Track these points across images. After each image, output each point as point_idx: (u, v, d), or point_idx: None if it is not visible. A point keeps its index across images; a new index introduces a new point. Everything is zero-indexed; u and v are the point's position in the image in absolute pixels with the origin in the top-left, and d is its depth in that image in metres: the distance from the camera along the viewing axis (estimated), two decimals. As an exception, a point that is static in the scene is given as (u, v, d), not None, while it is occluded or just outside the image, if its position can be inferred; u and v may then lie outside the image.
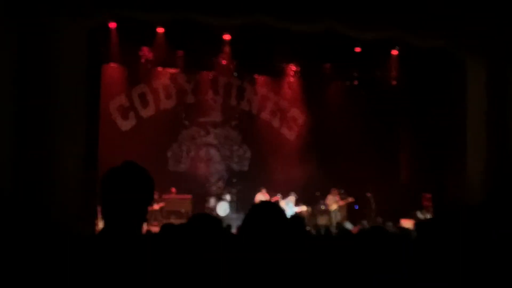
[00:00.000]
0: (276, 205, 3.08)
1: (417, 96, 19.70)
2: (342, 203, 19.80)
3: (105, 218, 2.84)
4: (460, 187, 17.04)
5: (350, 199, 19.69)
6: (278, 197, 19.62)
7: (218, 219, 3.73)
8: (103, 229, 2.82)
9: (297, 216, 5.18)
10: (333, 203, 19.76)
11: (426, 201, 19.45)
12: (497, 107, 15.88)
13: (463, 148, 17.04)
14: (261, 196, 19.56)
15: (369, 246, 3.48)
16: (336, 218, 19.55)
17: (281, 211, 3.01)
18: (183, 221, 16.76)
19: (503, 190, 14.06)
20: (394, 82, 20.38)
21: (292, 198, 19.46)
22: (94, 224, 14.61)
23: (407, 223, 17.44)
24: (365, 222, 17.07)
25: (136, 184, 2.83)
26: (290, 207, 19.23)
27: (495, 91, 15.95)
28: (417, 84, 19.51)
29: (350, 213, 19.91)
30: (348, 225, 17.41)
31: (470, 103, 16.62)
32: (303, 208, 19.46)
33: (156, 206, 18.44)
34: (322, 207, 19.88)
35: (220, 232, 3.58)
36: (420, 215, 18.45)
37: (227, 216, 19.25)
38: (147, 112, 20.16)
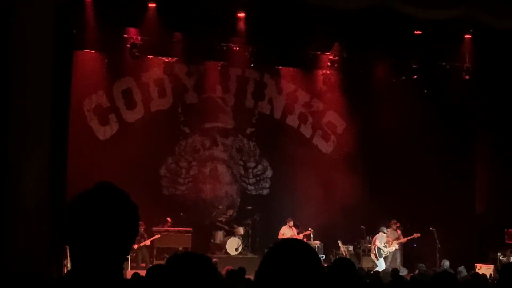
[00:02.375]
0: (307, 245, 3.09)
1: (498, 95, 19.61)
2: (405, 240, 19.74)
3: (73, 257, 2.82)
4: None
5: (416, 235, 19.58)
6: (310, 231, 19.58)
7: (207, 260, 3.76)
8: (69, 272, 2.81)
9: (343, 260, 5.20)
10: (394, 239, 19.65)
11: (510, 239, 19.32)
12: None
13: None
14: (287, 230, 19.51)
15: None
16: (395, 260, 19.51)
17: (314, 254, 3.02)
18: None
19: None
20: (467, 76, 20.30)
21: (384, 235, 19.44)
22: (62, 265, 14.66)
23: (485, 269, 17.30)
24: (423, 267, 16.95)
25: (114, 213, 2.81)
26: (383, 247, 19.33)
27: None
28: (498, 79, 19.43)
29: (405, 253, 19.86)
30: (403, 271, 17.33)
31: None
32: (395, 247, 19.52)
33: (146, 242, 18.44)
34: (369, 246, 19.79)
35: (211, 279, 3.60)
36: (502, 257, 18.32)
37: (239, 256, 19.22)
38: (134, 115, 20.30)
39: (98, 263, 2.77)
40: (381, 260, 19.33)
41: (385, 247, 19.34)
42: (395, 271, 14.38)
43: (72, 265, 2.83)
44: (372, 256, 19.42)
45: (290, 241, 3.08)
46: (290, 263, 2.91)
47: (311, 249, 3.03)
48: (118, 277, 2.83)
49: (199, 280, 3.53)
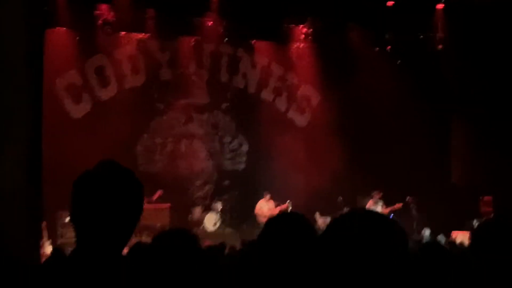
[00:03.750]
0: (303, 217, 3.09)
1: (473, 66, 19.68)
2: (387, 210, 19.81)
3: (78, 236, 2.85)
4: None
5: (397, 206, 19.62)
6: (287, 204, 19.62)
7: (194, 237, 3.75)
8: (75, 250, 2.84)
9: None
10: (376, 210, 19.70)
11: (485, 207, 19.48)
12: None
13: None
14: (264, 204, 19.56)
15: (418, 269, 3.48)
16: None
17: (312, 228, 3.04)
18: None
19: None
20: (440, 46, 20.34)
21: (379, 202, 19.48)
22: (38, 247, 14.56)
23: (462, 236, 17.44)
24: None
25: (119, 192, 2.84)
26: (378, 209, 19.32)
27: None
28: (473, 49, 19.49)
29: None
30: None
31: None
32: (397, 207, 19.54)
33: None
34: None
35: (198, 257, 3.60)
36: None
37: (217, 231, 19.24)
38: (107, 93, 20.16)
39: (104, 242, 2.80)
40: None
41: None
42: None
43: (77, 244, 2.84)
44: None
45: (285, 216, 3.08)
46: (286, 239, 2.98)
47: (307, 222, 3.03)
48: (118, 257, 2.86)
49: (187, 258, 3.51)
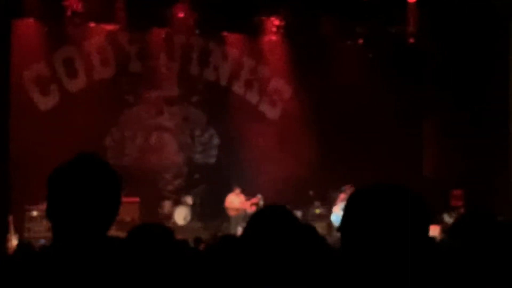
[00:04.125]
0: (288, 211, 3.08)
1: (444, 59, 19.78)
2: None
3: (55, 230, 2.81)
4: (502, 182, 17.19)
5: None
6: (257, 198, 19.59)
7: (170, 232, 3.70)
8: (53, 245, 2.80)
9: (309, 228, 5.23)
10: None
11: (456, 200, 19.61)
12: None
13: (505, 129, 17.17)
14: (234, 198, 19.54)
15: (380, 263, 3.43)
16: None
17: (296, 221, 3.04)
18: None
19: None
20: (412, 40, 20.41)
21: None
22: (5, 240, 14.47)
23: (432, 230, 17.52)
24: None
25: (96, 184, 2.80)
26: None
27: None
28: (443, 43, 19.59)
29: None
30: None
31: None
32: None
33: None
34: (317, 211, 19.89)
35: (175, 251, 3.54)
36: (448, 218, 18.57)
37: (187, 225, 19.20)
38: (76, 85, 19.99)
39: (82, 235, 2.77)
40: None
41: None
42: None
43: (54, 238, 2.82)
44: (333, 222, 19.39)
45: (269, 209, 3.10)
46: (271, 233, 2.94)
47: (291, 215, 3.09)
48: (103, 248, 2.82)
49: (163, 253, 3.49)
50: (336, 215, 19.43)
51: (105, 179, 2.83)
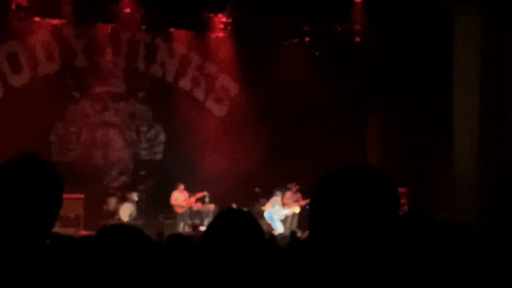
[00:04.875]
0: (248, 214, 3.15)
1: (388, 58, 20.00)
2: (304, 202, 19.96)
3: None
4: (444, 179, 17.44)
5: None
6: (202, 194, 19.63)
7: (139, 233, 3.72)
8: None
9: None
10: (293, 202, 19.91)
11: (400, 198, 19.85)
12: (493, 76, 16.25)
13: (449, 128, 17.41)
14: (179, 195, 19.56)
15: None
16: (294, 223, 19.78)
17: (257, 223, 3.07)
18: (72, 230, 16.49)
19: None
20: (357, 39, 20.63)
21: (278, 199, 19.55)
22: None
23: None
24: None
25: (36, 184, 2.79)
26: (277, 210, 19.38)
27: (490, 56, 16.30)
28: (388, 41, 19.80)
29: (300, 215, 20.13)
30: (298, 232, 17.67)
31: (458, 70, 16.93)
32: (295, 210, 19.60)
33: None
34: (263, 208, 19.98)
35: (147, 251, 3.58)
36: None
37: (133, 222, 19.14)
38: (20, 80, 19.85)
39: (22, 237, 2.75)
40: (278, 223, 19.53)
41: (279, 211, 19.55)
42: (293, 233, 14.58)
43: None
44: (265, 219, 19.53)
45: (230, 212, 3.13)
46: (231, 236, 2.98)
47: (252, 218, 3.10)
48: (44, 250, 2.82)
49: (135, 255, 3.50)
50: (268, 212, 19.57)
51: (44, 179, 2.82)
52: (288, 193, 19.99)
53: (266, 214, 19.43)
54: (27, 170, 2.81)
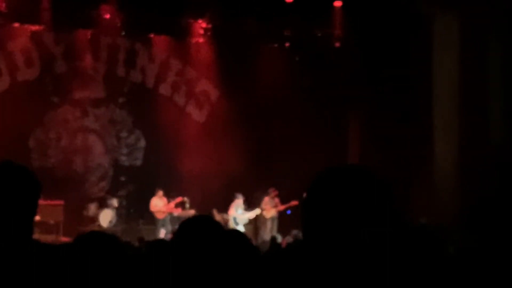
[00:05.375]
0: (211, 219, 3.16)
1: (368, 62, 20.09)
2: (283, 207, 19.96)
3: None
4: (424, 183, 17.56)
5: (294, 202, 19.72)
6: (180, 198, 19.61)
7: (115, 239, 3.73)
8: None
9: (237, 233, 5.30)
10: (271, 207, 19.91)
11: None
12: (472, 78, 16.37)
13: (429, 133, 17.54)
14: (158, 201, 19.52)
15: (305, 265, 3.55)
16: (273, 228, 19.77)
17: (220, 229, 3.10)
18: (52, 237, 16.43)
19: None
20: (337, 44, 20.74)
21: (239, 202, 19.53)
22: None
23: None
24: (296, 232, 17.23)
25: (12, 190, 2.84)
26: (240, 214, 19.34)
27: (469, 60, 16.41)
28: (368, 46, 19.90)
29: (281, 220, 20.13)
30: (279, 238, 17.68)
31: (437, 73, 17.08)
32: (257, 212, 19.58)
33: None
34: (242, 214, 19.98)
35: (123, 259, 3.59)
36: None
37: (113, 228, 19.10)
38: (-1, 86, 19.72)
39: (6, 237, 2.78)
40: (242, 227, 19.45)
41: (242, 215, 19.53)
42: (273, 239, 14.60)
43: None
44: (231, 224, 19.44)
45: (195, 219, 3.14)
46: (196, 243, 3.01)
47: (215, 223, 3.11)
48: (22, 254, 2.82)
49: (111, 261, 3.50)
50: (233, 216, 19.54)
51: (20, 184, 2.86)
52: (266, 198, 19.97)
53: (231, 219, 19.42)
54: (4, 175, 2.85)
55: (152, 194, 19.64)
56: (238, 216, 19.50)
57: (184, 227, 3.14)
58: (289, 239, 16.48)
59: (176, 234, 3.15)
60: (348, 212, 2.10)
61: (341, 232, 2.10)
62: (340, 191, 2.15)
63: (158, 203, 19.49)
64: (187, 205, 19.64)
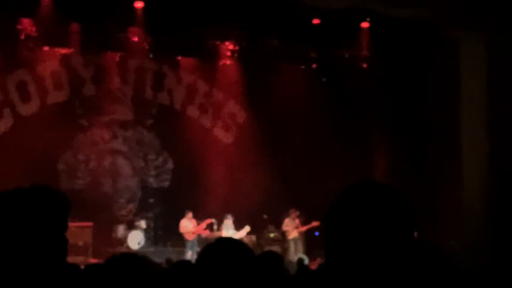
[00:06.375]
0: (242, 243, 3.15)
1: (395, 82, 20.09)
2: (303, 228, 19.92)
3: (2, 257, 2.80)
4: (453, 206, 17.47)
5: (315, 223, 19.72)
6: (209, 220, 19.60)
7: (146, 261, 3.76)
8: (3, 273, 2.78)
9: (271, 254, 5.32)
10: (293, 229, 19.89)
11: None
12: (500, 99, 16.32)
13: (456, 149, 17.47)
14: (188, 223, 19.54)
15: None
16: (298, 249, 19.71)
17: (251, 253, 3.10)
18: (81, 258, 16.49)
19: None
20: (364, 65, 20.78)
21: (229, 222, 19.53)
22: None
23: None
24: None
25: (43, 211, 2.82)
26: (232, 234, 19.27)
27: (497, 82, 16.36)
28: (395, 67, 19.91)
29: (309, 242, 20.09)
30: (306, 259, 17.65)
31: (465, 91, 17.04)
32: (246, 230, 19.48)
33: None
34: (272, 235, 19.98)
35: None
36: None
37: (141, 249, 19.15)
38: (29, 109, 19.94)
39: (32, 265, 2.78)
40: None
41: (233, 234, 19.47)
42: (300, 261, 14.57)
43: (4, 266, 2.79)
44: None
45: (222, 241, 3.15)
46: (223, 267, 2.98)
47: (246, 248, 3.12)
48: (55, 277, 2.84)
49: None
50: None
51: (50, 206, 2.84)
52: (287, 220, 19.91)
53: None
54: (34, 197, 2.85)
55: (180, 215, 19.65)
56: (230, 236, 19.41)
57: (208, 250, 3.15)
58: (321, 261, 16.44)
59: (199, 256, 3.13)
60: (368, 232, 2.07)
61: (362, 252, 2.08)
62: (359, 211, 2.13)
63: (188, 225, 19.50)
64: (215, 227, 19.66)
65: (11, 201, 2.85)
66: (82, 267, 5.88)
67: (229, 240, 3.20)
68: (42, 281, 2.78)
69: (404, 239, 2.11)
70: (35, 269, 2.79)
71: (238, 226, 19.60)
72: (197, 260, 3.14)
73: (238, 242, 3.19)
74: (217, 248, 3.11)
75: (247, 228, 19.53)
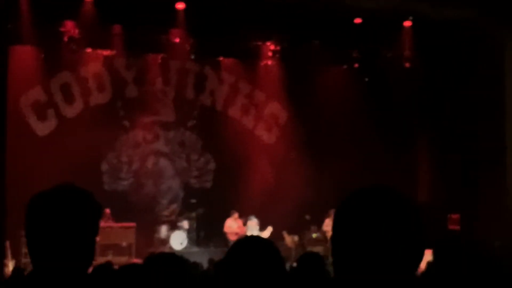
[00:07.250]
0: (269, 242, 3.14)
1: (438, 83, 19.95)
2: None
3: (33, 258, 2.83)
4: (498, 205, 17.29)
5: None
6: (254, 222, 19.63)
7: (183, 260, 3.77)
8: (32, 273, 2.82)
9: (313, 255, 5.30)
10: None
11: (452, 225, 19.64)
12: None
13: (501, 153, 17.28)
14: (233, 223, 19.58)
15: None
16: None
17: (277, 252, 3.07)
18: (124, 259, 16.70)
19: None
20: (407, 64, 20.64)
21: (253, 223, 19.51)
22: (2, 265, 14.51)
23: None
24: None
25: (74, 213, 2.84)
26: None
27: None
28: (438, 67, 19.76)
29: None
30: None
31: (509, 97, 16.83)
32: (269, 230, 19.43)
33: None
34: (314, 235, 19.94)
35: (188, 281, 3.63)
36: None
37: (184, 250, 19.21)
38: (73, 110, 20.13)
39: (61, 264, 2.78)
40: None
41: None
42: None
43: (33, 266, 2.83)
44: None
45: (249, 239, 3.13)
46: (250, 264, 2.99)
47: (273, 246, 3.10)
48: (84, 278, 2.86)
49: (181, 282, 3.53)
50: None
51: (79, 207, 2.86)
52: (327, 220, 19.85)
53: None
54: (65, 198, 2.87)
55: (222, 216, 19.70)
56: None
57: (235, 248, 3.13)
58: None
59: (227, 254, 3.11)
60: (375, 236, 2.07)
61: (369, 258, 2.07)
62: (364, 214, 2.14)
63: (232, 225, 19.55)
64: (257, 227, 19.66)
65: (46, 202, 2.86)
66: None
67: (256, 238, 3.17)
68: (65, 284, 2.78)
69: (409, 246, 2.08)
70: (59, 273, 2.78)
71: (278, 227, 19.55)
72: (223, 258, 3.14)
73: (265, 240, 3.17)
74: (244, 246, 3.10)
75: (270, 229, 19.52)
